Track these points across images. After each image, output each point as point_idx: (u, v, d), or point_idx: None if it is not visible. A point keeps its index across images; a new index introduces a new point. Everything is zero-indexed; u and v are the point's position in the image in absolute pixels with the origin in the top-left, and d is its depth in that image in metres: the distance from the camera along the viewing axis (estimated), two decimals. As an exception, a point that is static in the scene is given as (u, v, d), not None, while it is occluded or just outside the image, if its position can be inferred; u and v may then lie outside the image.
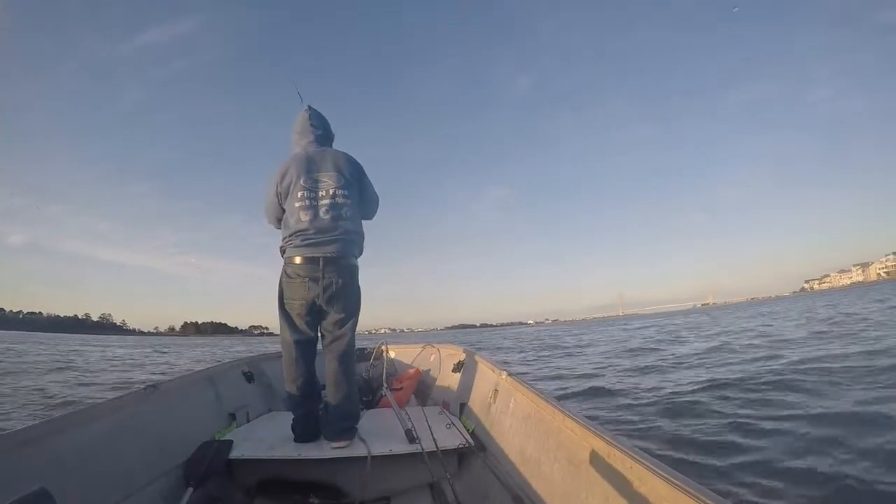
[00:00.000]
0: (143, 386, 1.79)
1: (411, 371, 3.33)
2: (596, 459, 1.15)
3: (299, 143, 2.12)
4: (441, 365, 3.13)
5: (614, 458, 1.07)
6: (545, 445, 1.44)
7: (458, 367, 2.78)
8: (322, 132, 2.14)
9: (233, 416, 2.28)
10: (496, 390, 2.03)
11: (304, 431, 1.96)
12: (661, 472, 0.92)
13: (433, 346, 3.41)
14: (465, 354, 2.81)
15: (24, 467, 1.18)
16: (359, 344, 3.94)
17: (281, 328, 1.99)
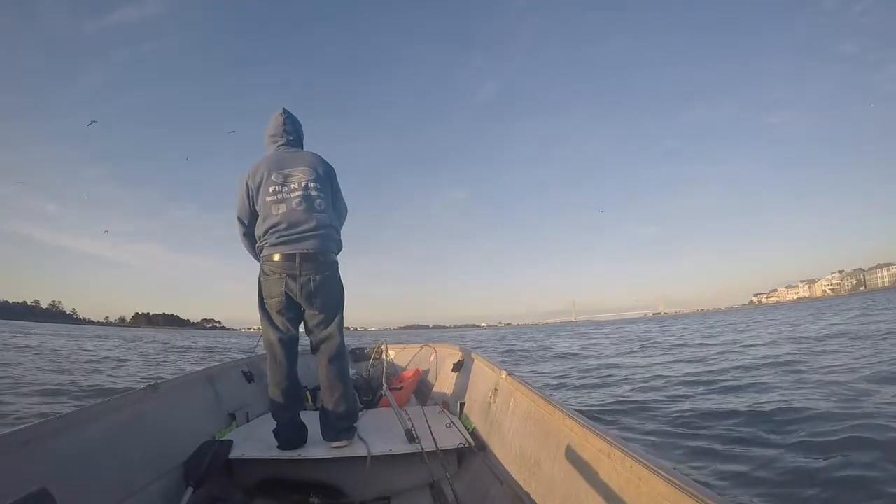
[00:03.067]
0: (143, 386, 1.80)
1: (411, 371, 3.33)
2: (596, 459, 1.15)
3: (271, 145, 2.11)
4: (440, 365, 3.13)
5: (614, 458, 1.07)
6: (545, 445, 1.44)
7: (457, 367, 2.78)
8: (294, 136, 2.12)
9: (233, 416, 2.28)
10: (496, 390, 2.03)
11: (289, 438, 1.90)
12: (661, 471, 0.92)
13: (432, 346, 3.41)
14: (464, 354, 2.81)
15: (24, 467, 1.18)
16: (358, 343, 3.96)
17: (262, 328, 1.95)
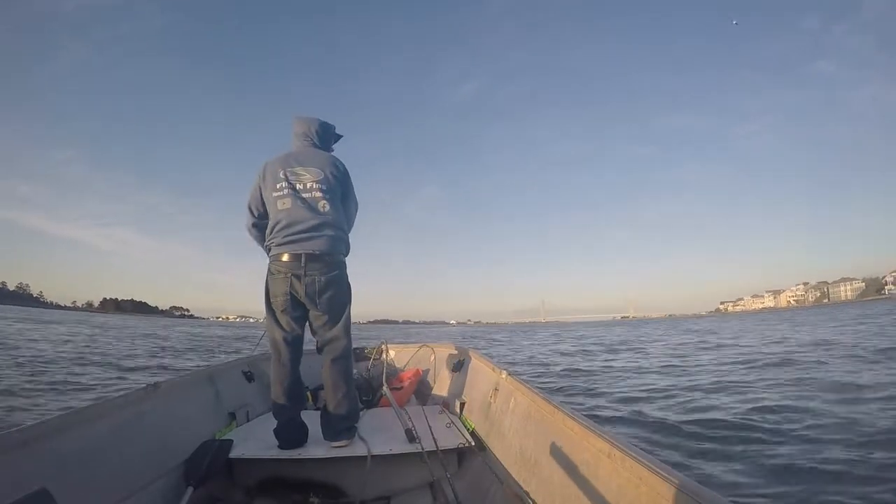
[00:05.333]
0: (143, 385, 1.80)
1: (411, 370, 3.33)
2: (596, 459, 1.15)
3: (294, 142, 2.14)
4: (441, 364, 3.13)
5: (614, 458, 1.07)
6: (545, 445, 1.44)
7: (457, 367, 2.78)
8: (316, 137, 2.12)
9: (233, 416, 2.28)
10: (496, 390, 2.03)
11: (289, 438, 1.91)
12: (661, 472, 0.92)
13: (433, 346, 3.41)
14: (464, 354, 2.81)
15: (24, 467, 1.18)
16: (358, 343, 3.96)
17: (268, 326, 1.97)
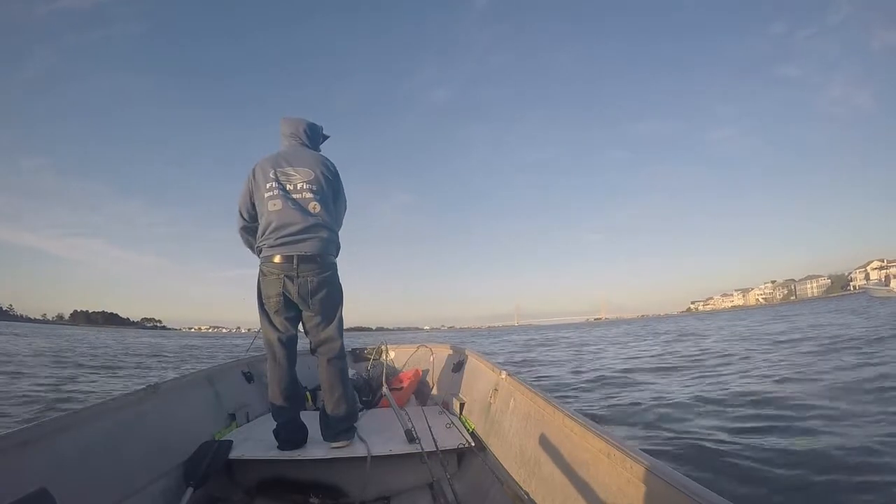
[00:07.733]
0: (143, 386, 1.80)
1: (411, 371, 3.33)
2: (596, 459, 1.15)
3: (282, 143, 2.14)
4: (441, 365, 3.14)
5: (614, 458, 1.07)
6: (545, 445, 1.44)
7: (457, 367, 2.79)
8: (305, 137, 2.13)
9: (232, 417, 2.28)
10: (496, 390, 2.03)
11: (289, 438, 1.92)
12: (661, 472, 0.93)
13: (432, 346, 3.41)
14: (464, 354, 2.82)
15: (24, 467, 1.18)
16: (358, 344, 3.96)
17: (262, 328, 1.97)
